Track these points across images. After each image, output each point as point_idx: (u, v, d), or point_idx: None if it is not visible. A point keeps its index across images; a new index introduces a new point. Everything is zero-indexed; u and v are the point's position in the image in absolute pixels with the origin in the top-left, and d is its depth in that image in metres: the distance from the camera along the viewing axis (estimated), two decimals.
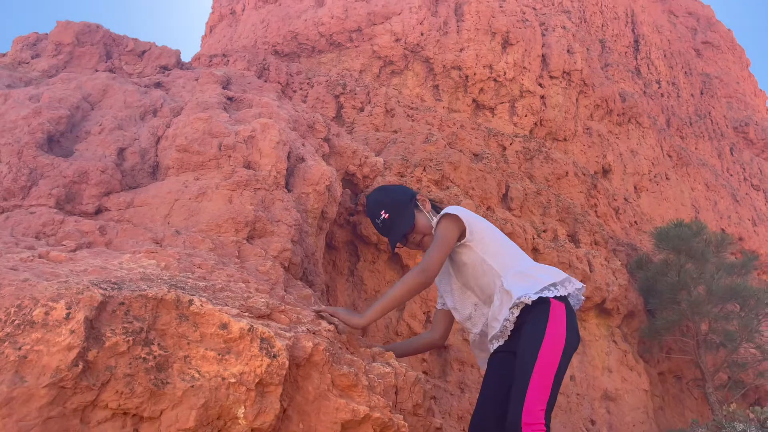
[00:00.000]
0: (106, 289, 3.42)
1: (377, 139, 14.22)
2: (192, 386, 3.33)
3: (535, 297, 3.52)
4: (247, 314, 3.91)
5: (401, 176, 13.12)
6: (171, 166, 6.54)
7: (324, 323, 4.68)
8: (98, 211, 5.88)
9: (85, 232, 5.23)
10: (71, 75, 7.16)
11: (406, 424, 4.21)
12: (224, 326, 3.56)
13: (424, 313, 11.60)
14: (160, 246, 5.22)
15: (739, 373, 12.98)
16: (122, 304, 3.39)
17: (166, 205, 6.06)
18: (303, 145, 8.09)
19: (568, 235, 13.87)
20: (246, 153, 6.88)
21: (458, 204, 12.23)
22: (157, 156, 6.88)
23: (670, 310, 12.62)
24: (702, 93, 29.43)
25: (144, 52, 8.37)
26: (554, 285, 3.61)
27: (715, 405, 12.03)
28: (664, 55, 27.76)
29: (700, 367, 12.65)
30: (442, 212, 4.26)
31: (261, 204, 6.58)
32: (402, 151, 13.93)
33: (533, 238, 12.93)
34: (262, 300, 4.17)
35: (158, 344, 3.41)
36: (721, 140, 27.58)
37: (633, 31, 26.94)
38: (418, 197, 4.34)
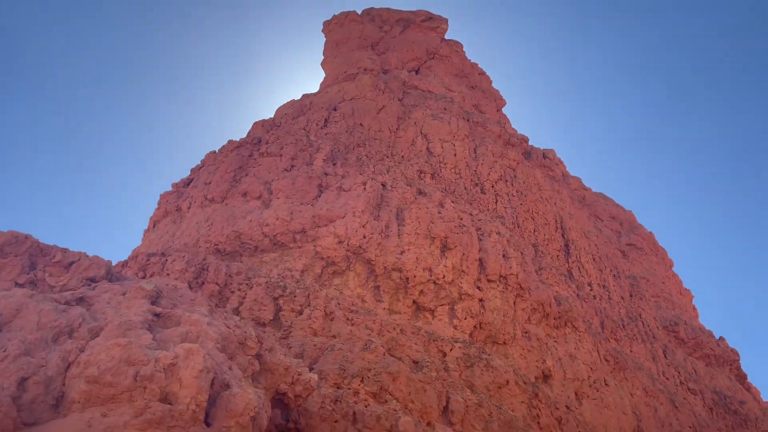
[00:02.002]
0: None
1: (314, 345, 13.79)
2: None
3: None
4: None
5: (338, 387, 12.52)
6: (77, 399, 5.94)
7: None
8: None
9: None
10: None
11: None
12: None
13: None
14: None
15: None
16: None
17: None
18: (230, 368, 7.64)
19: None
20: (164, 384, 6.37)
21: (397, 421, 11.55)
22: (64, 385, 6.27)
23: None
24: (631, 295, 30.76)
25: (72, 263, 8.09)
26: None
27: None
28: (593, 259, 29.36)
29: None
30: None
31: None
32: (340, 359, 13.48)
33: None
34: None
35: None
36: (653, 342, 28.28)
37: (563, 235, 28.67)
38: None
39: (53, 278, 7.70)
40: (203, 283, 13.64)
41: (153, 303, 7.87)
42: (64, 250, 8.08)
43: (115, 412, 5.60)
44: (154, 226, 20.02)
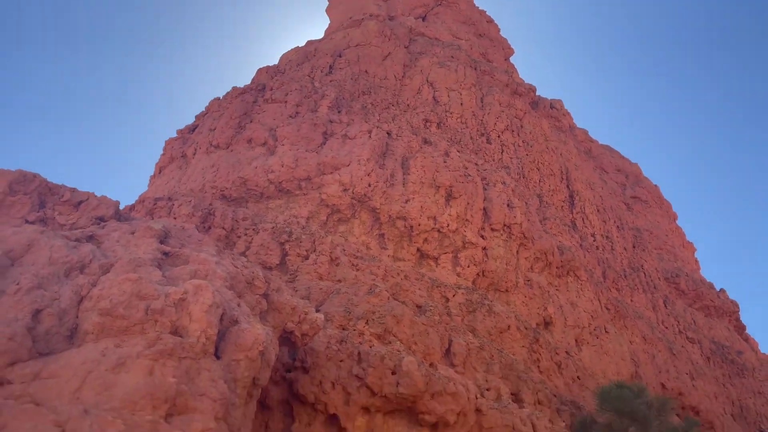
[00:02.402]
0: None
1: (320, 289, 14.01)
2: None
3: None
4: None
5: (343, 329, 12.76)
6: (91, 331, 6.10)
7: None
8: None
9: None
10: None
11: None
12: None
13: None
14: (63, 431, 4.68)
15: None
16: None
17: (78, 377, 5.54)
18: (238, 305, 7.79)
19: (512, 394, 13.54)
20: (174, 317, 6.52)
21: (401, 361, 11.84)
22: (77, 318, 6.43)
23: None
24: (634, 246, 30.91)
25: (81, 202, 8.17)
26: None
27: None
28: (597, 210, 29.39)
29: None
30: None
31: (185, 375, 6.12)
32: (345, 302, 13.71)
33: (476, 398, 12.53)
34: None
35: None
36: (654, 292, 28.57)
37: (568, 186, 28.63)
38: None
39: (63, 217, 7.79)
40: (210, 227, 13.77)
41: (161, 242, 7.97)
42: (73, 190, 8.15)
43: (127, 343, 5.76)
44: (159, 172, 20.07)
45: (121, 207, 14.96)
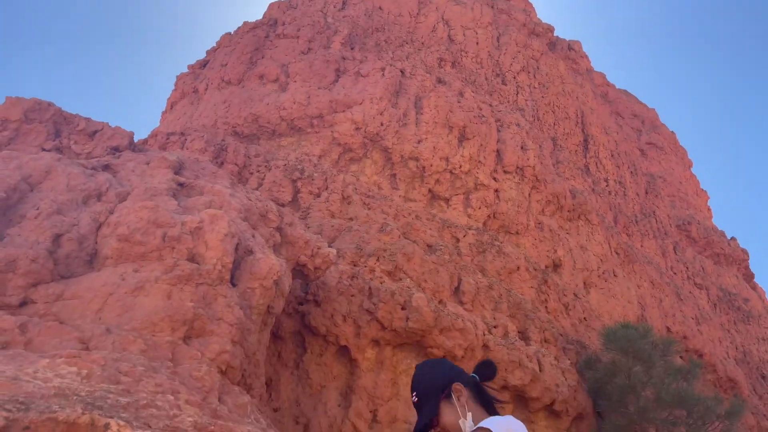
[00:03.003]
0: (10, 410, 3.07)
1: (332, 226, 14.13)
2: None
3: None
4: None
5: (354, 265, 12.95)
6: (110, 255, 6.23)
7: None
8: (23, 304, 5.48)
9: (3, 329, 4.82)
10: (13, 153, 6.88)
11: None
12: None
13: (370, 412, 11.15)
14: (86, 348, 4.85)
15: None
16: (27, 428, 3.04)
17: (99, 298, 5.70)
18: (253, 236, 7.90)
19: (519, 332, 13.80)
20: (191, 245, 6.64)
21: (411, 297, 12.10)
22: (96, 243, 6.56)
23: (619, 414, 12.50)
24: (647, 192, 30.72)
25: (96, 132, 8.18)
26: None
27: None
28: (612, 155, 29.08)
29: None
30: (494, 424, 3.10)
31: (202, 300, 6.28)
32: (357, 239, 13.85)
33: (484, 335, 12.80)
34: (190, 419, 3.84)
35: None
36: (665, 239, 28.57)
37: (583, 130, 28.26)
38: (454, 386, 3.34)
39: (78, 146, 7.82)
40: (222, 163, 13.80)
41: (176, 173, 8.01)
42: (88, 119, 8.15)
43: (146, 268, 5.87)
44: (171, 108, 19.97)
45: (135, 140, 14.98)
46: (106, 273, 5.67)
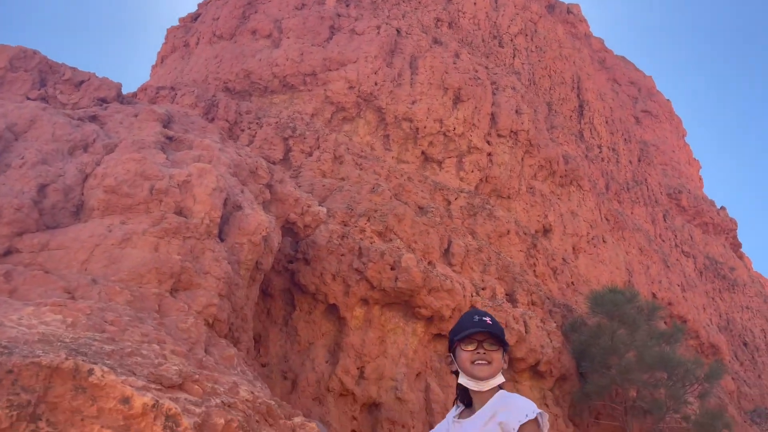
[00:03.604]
0: None
1: (323, 186, 14.07)
2: None
3: None
4: (155, 385, 3.60)
5: (345, 225, 12.95)
6: (96, 207, 6.18)
7: (243, 391, 4.38)
8: (8, 253, 5.44)
9: None
10: None
11: None
12: (126, 401, 3.25)
13: (357, 369, 11.32)
14: (72, 297, 4.84)
15: None
16: (10, 372, 3.05)
17: (85, 249, 5.68)
18: (242, 191, 7.85)
19: (506, 294, 13.95)
20: (179, 198, 6.59)
21: (400, 257, 12.16)
22: (82, 195, 6.50)
23: (601, 374, 12.74)
24: (639, 160, 30.74)
25: (82, 82, 8.02)
26: None
27: None
28: (606, 122, 28.96)
29: None
30: (531, 410, 3.18)
31: (190, 254, 6.26)
32: (348, 199, 13.82)
33: (472, 296, 12.94)
34: (175, 368, 3.87)
35: (47, 420, 3.06)
36: (655, 206, 28.72)
37: (578, 96, 28.06)
38: (508, 351, 3.40)
39: (64, 96, 7.68)
40: (213, 119, 13.62)
41: (165, 127, 7.91)
42: (74, 69, 7.98)
43: (133, 220, 5.83)
44: (162, 62, 19.60)
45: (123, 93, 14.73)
46: (93, 224, 5.63)
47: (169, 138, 7.66)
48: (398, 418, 10.71)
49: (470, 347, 3.42)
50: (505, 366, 3.46)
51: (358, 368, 11.15)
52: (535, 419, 3.08)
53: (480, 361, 3.39)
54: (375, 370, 11.31)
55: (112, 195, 5.74)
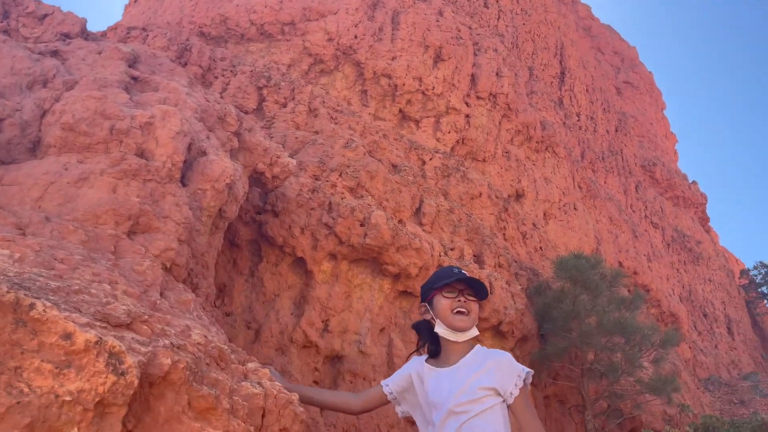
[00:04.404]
0: None
1: (296, 138, 13.90)
2: (18, 402, 2.97)
3: None
4: (100, 323, 3.56)
5: (316, 179, 12.86)
6: (53, 144, 6.01)
7: (195, 335, 4.37)
8: None
9: None
10: None
11: None
12: (67, 336, 3.21)
13: (322, 322, 11.41)
14: (23, 233, 4.74)
15: (618, 402, 13.61)
16: None
17: (39, 186, 5.54)
18: (207, 137, 7.69)
19: (474, 255, 14.09)
20: (140, 140, 6.43)
21: (370, 214, 12.16)
22: (40, 131, 6.31)
23: (562, 337, 13.06)
24: (617, 130, 30.93)
25: (45, 16, 7.70)
26: None
27: None
28: (587, 90, 28.96)
29: (582, 394, 13.17)
30: (525, 369, 3.28)
31: (149, 197, 6.15)
32: (320, 153, 13.69)
33: (440, 255, 13.05)
34: (123, 307, 3.83)
35: None
36: (628, 177, 29.05)
37: (561, 63, 27.94)
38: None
39: (26, 29, 7.38)
40: (186, 64, 13.28)
41: (130, 66, 7.68)
42: (38, 2, 7.65)
43: (91, 160, 5.70)
44: (135, 1, 18.95)
45: (88, 30, 14.22)
46: (49, 161, 5.49)
47: (134, 78, 7.45)
48: (360, 370, 10.88)
49: (451, 295, 3.50)
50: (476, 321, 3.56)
51: (322, 321, 11.23)
52: (524, 382, 3.23)
53: (460, 309, 3.47)
54: (339, 323, 11.41)
55: (69, 133, 5.59)
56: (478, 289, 3.54)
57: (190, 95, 7.86)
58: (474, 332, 3.51)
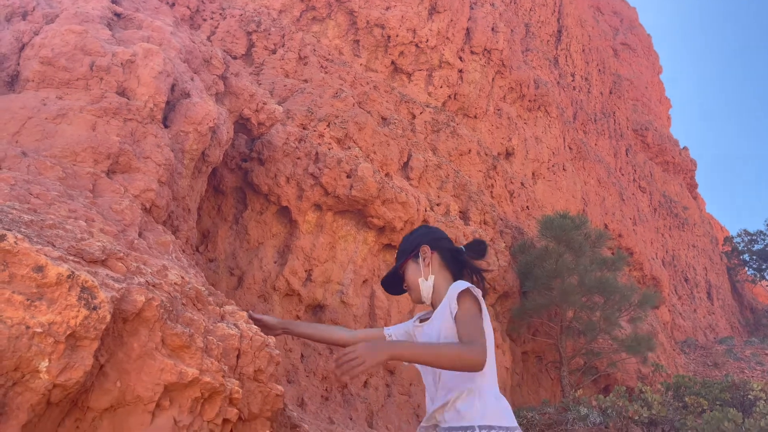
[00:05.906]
0: None
1: (285, 86, 13.69)
2: None
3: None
4: (73, 258, 3.55)
5: (303, 128, 12.73)
6: (31, 79, 5.87)
7: (172, 275, 4.37)
8: None
9: None
10: None
11: (240, 390, 4.05)
12: (39, 269, 3.20)
13: (305, 271, 11.48)
14: None
15: (594, 360, 13.94)
16: None
17: (17, 121, 5.43)
18: (192, 79, 7.54)
19: (460, 212, 14.13)
20: (122, 78, 6.29)
21: (357, 166, 12.09)
22: (18, 65, 6.15)
23: (543, 295, 13.25)
24: (611, 92, 30.72)
25: None
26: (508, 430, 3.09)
27: (567, 387, 12.88)
28: (583, 50, 28.60)
29: (560, 351, 13.44)
30: (461, 287, 3.12)
31: (130, 136, 6.06)
32: (309, 102, 13.51)
33: (426, 210, 13.07)
34: (98, 244, 3.81)
35: None
36: (619, 140, 29.02)
37: (558, 21, 27.48)
38: (421, 248, 3.29)
39: None
40: (174, 4, 12.90)
41: (113, 2, 7.45)
42: None
43: (70, 96, 5.58)
44: None
45: None
46: (27, 96, 5.37)
47: (118, 15, 7.23)
48: (341, 320, 11.02)
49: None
50: (428, 261, 3.38)
51: (306, 271, 11.31)
52: (467, 290, 3.09)
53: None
54: (322, 273, 11.49)
55: (48, 67, 5.45)
56: (400, 254, 3.42)
57: (174, 35, 7.66)
58: (429, 282, 3.35)
